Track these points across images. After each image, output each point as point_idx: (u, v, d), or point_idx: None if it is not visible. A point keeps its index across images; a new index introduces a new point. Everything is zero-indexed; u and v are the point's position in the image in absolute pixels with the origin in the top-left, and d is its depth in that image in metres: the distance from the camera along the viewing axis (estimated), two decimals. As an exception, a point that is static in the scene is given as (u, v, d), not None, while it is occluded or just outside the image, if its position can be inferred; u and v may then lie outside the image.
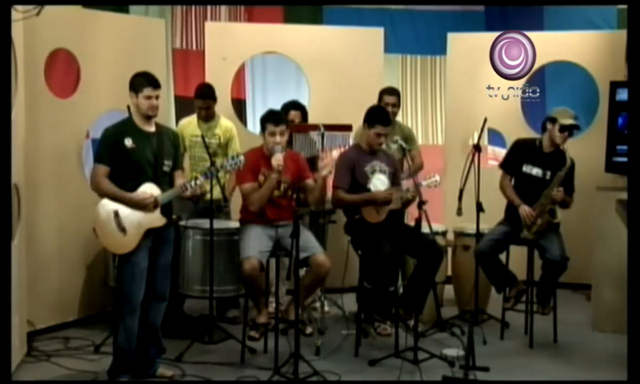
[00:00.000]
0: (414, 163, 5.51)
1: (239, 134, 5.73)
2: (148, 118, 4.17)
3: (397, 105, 5.68)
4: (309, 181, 4.88)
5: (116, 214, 4.07)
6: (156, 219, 4.13)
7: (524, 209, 5.00)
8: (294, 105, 5.75)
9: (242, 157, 4.41)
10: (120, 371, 4.20)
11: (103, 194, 4.11)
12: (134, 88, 4.15)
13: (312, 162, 5.41)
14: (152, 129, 4.20)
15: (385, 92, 5.71)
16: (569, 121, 5.01)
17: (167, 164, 4.20)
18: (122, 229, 4.07)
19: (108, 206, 4.09)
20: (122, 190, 4.07)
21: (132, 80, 4.18)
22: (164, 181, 4.20)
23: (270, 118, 4.80)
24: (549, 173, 5.04)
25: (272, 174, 4.67)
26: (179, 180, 4.27)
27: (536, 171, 5.09)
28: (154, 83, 4.15)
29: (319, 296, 5.51)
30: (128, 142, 4.09)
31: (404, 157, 5.20)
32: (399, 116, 5.83)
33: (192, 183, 4.15)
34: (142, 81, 4.14)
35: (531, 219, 4.97)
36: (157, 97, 4.15)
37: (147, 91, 4.11)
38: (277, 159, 4.63)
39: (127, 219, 4.07)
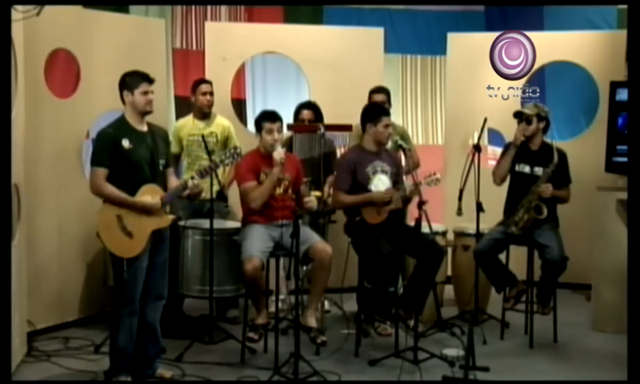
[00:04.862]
0: (412, 161, 5.50)
1: (238, 134, 5.73)
2: (144, 114, 4.14)
3: (387, 103, 5.59)
4: (303, 188, 4.94)
5: (119, 218, 4.03)
6: (163, 219, 4.11)
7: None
8: (307, 105, 5.71)
9: (239, 149, 4.38)
10: (119, 371, 4.18)
11: (106, 198, 4.06)
12: (128, 86, 4.10)
13: (327, 160, 5.33)
14: (145, 128, 4.17)
15: (374, 91, 5.67)
16: (519, 110, 5.17)
17: (161, 163, 4.18)
18: (128, 233, 4.03)
19: (110, 210, 4.04)
20: (123, 192, 4.02)
21: (124, 80, 4.13)
22: (161, 179, 4.18)
23: (266, 117, 4.83)
24: (539, 169, 5.05)
25: (274, 169, 4.67)
26: (172, 178, 4.27)
27: (527, 169, 5.12)
28: (148, 78, 4.13)
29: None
30: (125, 143, 4.04)
31: (405, 155, 5.22)
32: (392, 116, 5.79)
33: (190, 182, 4.14)
34: (137, 78, 4.11)
35: (519, 216, 4.99)
36: (152, 92, 4.13)
37: (144, 87, 4.09)
38: (279, 153, 4.64)
39: (132, 222, 4.03)
